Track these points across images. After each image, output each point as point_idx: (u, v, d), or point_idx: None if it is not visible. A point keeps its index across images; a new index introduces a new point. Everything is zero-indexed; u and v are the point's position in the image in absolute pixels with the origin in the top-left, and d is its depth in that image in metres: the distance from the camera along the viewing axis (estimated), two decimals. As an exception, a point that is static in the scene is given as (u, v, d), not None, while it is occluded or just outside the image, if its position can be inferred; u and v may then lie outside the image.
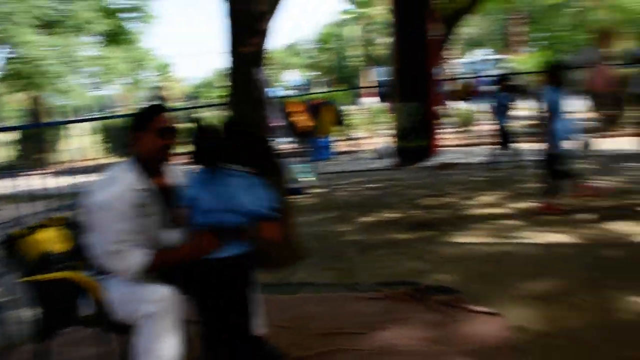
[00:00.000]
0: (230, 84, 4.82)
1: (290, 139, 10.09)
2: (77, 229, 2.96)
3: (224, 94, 5.01)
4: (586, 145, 9.79)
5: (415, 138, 5.61)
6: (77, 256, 2.84)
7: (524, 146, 8.50)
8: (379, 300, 3.91)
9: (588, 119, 12.60)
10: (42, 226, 2.92)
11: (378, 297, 3.97)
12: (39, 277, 2.65)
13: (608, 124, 12.26)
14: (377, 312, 3.73)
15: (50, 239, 2.88)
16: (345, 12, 32.95)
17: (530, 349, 3.11)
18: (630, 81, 9.59)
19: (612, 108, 12.37)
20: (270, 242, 3.61)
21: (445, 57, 21.89)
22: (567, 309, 3.61)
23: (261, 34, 4.68)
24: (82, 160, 11.72)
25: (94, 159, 10.66)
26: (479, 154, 10.55)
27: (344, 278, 4.48)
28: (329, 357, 3.18)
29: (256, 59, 4.73)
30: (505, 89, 8.45)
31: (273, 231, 2.60)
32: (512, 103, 8.49)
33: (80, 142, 14.07)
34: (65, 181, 6.81)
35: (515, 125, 8.75)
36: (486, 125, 14.34)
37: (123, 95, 33.37)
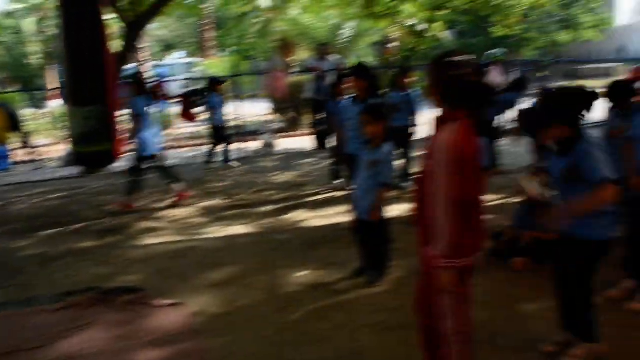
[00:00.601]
0: None
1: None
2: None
3: None
4: (268, 145, 10.89)
5: (94, 143, 5.44)
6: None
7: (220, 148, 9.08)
8: (62, 311, 3.80)
9: (271, 121, 13.93)
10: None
11: (61, 307, 3.84)
12: None
13: (289, 126, 13.75)
14: (60, 323, 3.61)
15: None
16: (17, 1, 29.33)
17: (209, 329, 3.44)
18: (304, 88, 10.85)
19: (292, 111, 13.91)
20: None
21: (138, 59, 21.62)
22: (242, 290, 4.07)
23: None
24: None
25: None
26: (174, 157, 10.79)
27: (22, 294, 4.18)
28: (1, 378, 2.99)
29: None
30: (216, 90, 9.09)
31: None
32: (223, 104, 9.15)
33: None
34: None
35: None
36: (182, 129, 14.70)
37: None
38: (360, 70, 5.28)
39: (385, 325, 3.38)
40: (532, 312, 3.50)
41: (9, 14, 29.25)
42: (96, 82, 5.65)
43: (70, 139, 6.58)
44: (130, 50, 10.53)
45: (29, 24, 27.20)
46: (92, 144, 5.60)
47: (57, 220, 6.27)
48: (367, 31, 19.81)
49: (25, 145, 10.98)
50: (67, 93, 5.73)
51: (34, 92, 19.29)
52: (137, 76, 6.54)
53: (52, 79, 26.98)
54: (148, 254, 4.95)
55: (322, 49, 10.34)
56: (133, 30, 10.00)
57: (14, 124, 8.64)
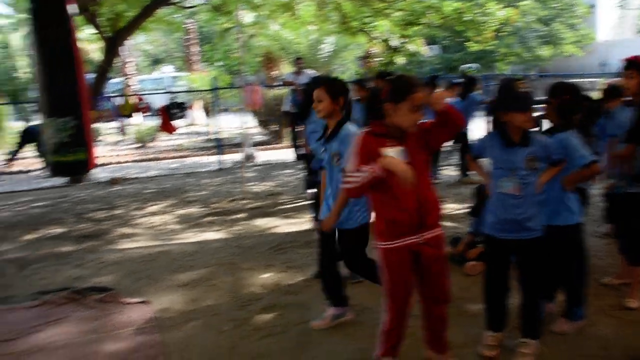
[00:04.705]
0: None
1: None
2: None
3: None
4: (249, 156, 11.19)
5: (69, 152, 5.72)
6: None
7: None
8: (36, 308, 4.07)
9: (253, 134, 14.25)
10: None
11: (35, 305, 4.11)
12: None
13: (272, 138, 14.08)
14: (32, 319, 3.89)
15: None
16: (3, 16, 29.64)
17: (171, 325, 3.72)
18: (283, 101, 11.18)
19: (274, 124, 14.24)
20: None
21: (128, 73, 21.91)
22: (207, 290, 4.35)
23: None
24: None
25: None
26: (156, 167, 11.09)
27: (0, 294, 4.45)
28: (-23, 367, 3.25)
29: None
30: None
31: None
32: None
33: None
34: None
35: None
36: (165, 142, 15.01)
37: None
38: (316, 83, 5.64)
39: (337, 322, 3.61)
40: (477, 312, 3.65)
41: (-3, 29, 29.48)
42: (70, 95, 5.94)
43: (47, 150, 6.89)
44: (110, 64, 10.87)
45: (16, 39, 27.46)
46: (67, 154, 5.87)
47: (38, 226, 6.56)
48: (347, 46, 20.23)
49: (12, 157, 11.24)
50: (42, 105, 6.01)
51: (22, 105, 19.46)
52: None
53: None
54: (122, 257, 5.23)
55: (298, 63, 10.68)
56: (112, 45, 10.34)
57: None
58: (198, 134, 16.49)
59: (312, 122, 5.76)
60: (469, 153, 3.49)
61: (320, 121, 5.42)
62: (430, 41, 21.97)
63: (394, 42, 14.03)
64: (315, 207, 5.79)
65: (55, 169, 6.67)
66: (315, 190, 6.79)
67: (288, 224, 6.22)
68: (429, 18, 13.06)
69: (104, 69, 10.27)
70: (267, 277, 4.59)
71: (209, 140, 14.77)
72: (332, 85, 3.33)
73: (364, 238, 3.44)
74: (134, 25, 10.42)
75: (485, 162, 3.21)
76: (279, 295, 4.18)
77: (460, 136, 7.34)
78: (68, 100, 5.80)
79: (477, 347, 3.17)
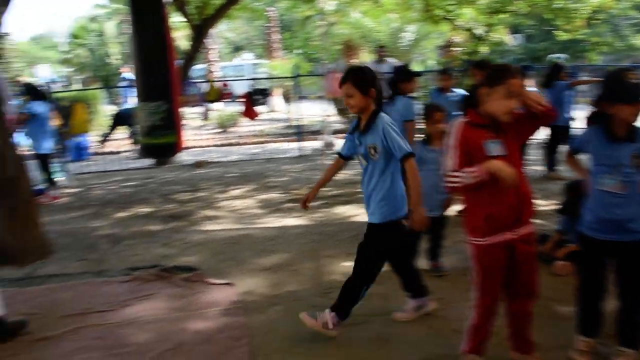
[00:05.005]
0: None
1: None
2: None
3: None
4: (328, 144, 11.22)
5: (160, 135, 5.96)
6: None
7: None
8: (128, 283, 4.28)
9: (332, 122, 14.26)
10: None
11: (126, 280, 4.32)
12: None
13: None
14: (125, 292, 4.09)
15: None
16: (99, 6, 31.32)
17: (255, 307, 3.78)
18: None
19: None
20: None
21: (211, 60, 22.54)
22: (289, 275, 4.40)
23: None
24: None
25: None
26: (236, 152, 11.35)
27: (94, 268, 4.73)
28: (75, 334, 3.47)
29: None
30: None
31: None
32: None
33: None
34: None
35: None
36: (246, 127, 15.33)
37: None
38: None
39: (420, 314, 3.57)
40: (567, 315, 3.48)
41: (93, 19, 31.27)
42: (162, 80, 6.16)
43: (139, 132, 7.23)
44: (197, 51, 11.20)
45: (110, 27, 28.96)
46: (158, 137, 6.12)
47: (128, 205, 6.90)
48: (428, 34, 19.82)
49: (104, 138, 11.89)
50: (137, 90, 6.28)
51: (113, 89, 20.43)
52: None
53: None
54: (206, 239, 5.39)
55: (380, 51, 10.54)
56: (200, 33, 10.64)
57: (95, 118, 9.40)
58: (278, 120, 16.72)
59: (395, 111, 5.70)
60: (568, 148, 3.29)
61: (407, 110, 5.38)
62: (514, 30, 21.13)
63: (478, 30, 13.61)
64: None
65: (146, 150, 6.98)
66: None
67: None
68: (517, 5, 12.55)
69: (191, 56, 10.60)
70: (348, 265, 4.54)
71: (289, 127, 14.95)
72: (360, 79, 3.13)
73: (387, 236, 3.25)
74: (221, 12, 10.66)
75: (582, 158, 3.04)
76: (360, 284, 4.16)
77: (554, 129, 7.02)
78: (160, 86, 6.03)
79: (567, 351, 3.01)
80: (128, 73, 19.93)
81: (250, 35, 41.26)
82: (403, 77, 5.52)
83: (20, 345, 3.36)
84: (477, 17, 12.99)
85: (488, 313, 2.75)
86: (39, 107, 6.99)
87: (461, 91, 6.58)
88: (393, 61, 10.85)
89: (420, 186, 3.12)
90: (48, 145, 7.13)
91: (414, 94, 5.65)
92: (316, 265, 4.60)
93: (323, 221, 5.91)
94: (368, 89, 3.09)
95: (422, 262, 4.34)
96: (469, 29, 13.62)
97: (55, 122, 7.38)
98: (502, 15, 13.15)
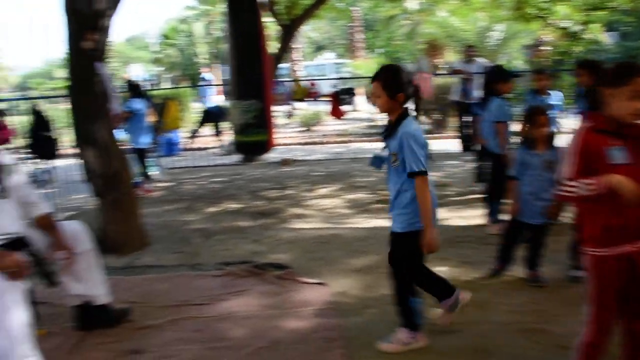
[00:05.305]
0: (70, 76, 4.86)
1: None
2: None
3: (62, 85, 5.04)
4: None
5: (252, 133, 6.03)
6: None
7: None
8: (221, 277, 4.34)
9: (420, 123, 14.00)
10: None
11: (219, 274, 4.39)
12: None
13: (434, 127, 13.77)
14: (218, 287, 4.15)
15: None
16: (189, 7, 32.67)
17: (348, 309, 3.73)
18: (451, 90, 10.80)
19: (437, 113, 13.93)
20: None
21: (294, 59, 22.86)
22: (381, 278, 4.29)
23: (102, 30, 4.75)
24: None
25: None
26: (320, 151, 11.39)
27: (188, 260, 4.84)
28: (175, 324, 3.55)
29: (97, 54, 4.80)
30: None
31: None
32: None
33: None
34: None
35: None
36: (330, 126, 15.39)
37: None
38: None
39: (519, 327, 3.41)
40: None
41: (183, 20, 32.64)
42: (256, 79, 6.24)
43: (232, 130, 7.39)
44: (285, 51, 11.33)
45: (198, 28, 30.03)
46: (250, 135, 6.21)
47: (218, 200, 7.05)
48: (516, 33, 19.11)
49: (193, 134, 12.30)
50: (231, 88, 6.40)
51: (198, 88, 21.13)
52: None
53: (217, 77, 29.45)
54: (296, 237, 5.39)
55: (469, 51, 10.21)
56: (288, 33, 10.74)
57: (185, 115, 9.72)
58: (360, 120, 16.67)
59: (488, 112, 5.49)
60: None
61: (500, 111, 5.18)
62: (609, 27, 19.97)
63: (573, 28, 12.96)
64: (490, 202, 5.54)
65: (239, 147, 7.12)
66: (487, 183, 6.50)
67: (459, 217, 5.99)
68: (617, 2, 11.84)
69: (279, 55, 10.73)
70: (442, 270, 4.41)
71: (372, 126, 14.85)
72: (388, 79, 2.95)
73: (411, 246, 3.05)
74: (309, 13, 10.73)
75: None
76: (455, 291, 4.02)
77: None
78: (254, 84, 6.11)
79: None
80: (207, 73, 20.80)
81: (332, 35, 41.50)
82: (499, 77, 5.34)
83: (125, 332, 3.48)
84: (572, 14, 12.37)
85: (603, 330, 2.55)
86: (138, 104, 7.31)
87: (557, 93, 6.28)
88: (482, 61, 10.49)
89: (429, 206, 2.92)
90: (145, 140, 7.43)
91: (508, 96, 5.44)
92: (408, 268, 4.49)
93: (412, 224, 5.77)
94: (396, 93, 2.93)
95: (520, 271, 4.16)
96: (562, 27, 13.01)
97: (151, 119, 7.66)
98: (599, 12, 12.46)
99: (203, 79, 20.14)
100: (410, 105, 3.03)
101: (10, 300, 2.61)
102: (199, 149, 11.98)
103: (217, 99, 22.63)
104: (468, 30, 19.19)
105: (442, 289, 3.29)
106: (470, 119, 9.94)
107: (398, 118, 2.96)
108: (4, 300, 2.59)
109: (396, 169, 3.00)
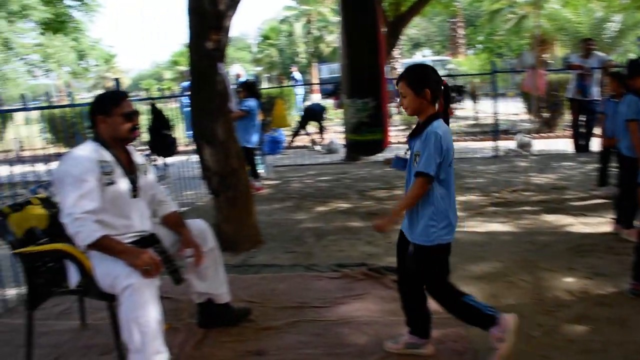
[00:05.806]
0: (192, 75, 4.97)
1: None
2: (54, 207, 3.13)
3: (169, 86, 5.16)
4: (524, 144, 10.49)
5: (367, 132, 5.90)
6: (56, 232, 2.99)
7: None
8: (338, 279, 4.24)
9: (524, 121, 13.37)
10: (28, 203, 3.06)
11: (336, 276, 4.30)
12: (34, 248, 2.80)
13: (542, 126, 13.05)
14: (336, 289, 4.05)
15: (36, 216, 3.03)
16: (288, 8, 33.26)
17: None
18: (567, 87, 10.15)
19: (547, 111, 13.18)
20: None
21: (393, 57, 22.58)
22: (505, 287, 4.04)
23: (223, 30, 4.82)
24: (28, 150, 11.48)
25: (40, 148, 10.46)
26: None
27: (302, 260, 4.80)
28: (295, 327, 3.49)
29: (219, 54, 4.88)
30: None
31: None
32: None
33: (24, 131, 13.75)
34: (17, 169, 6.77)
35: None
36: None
37: (65, 85, 32.38)
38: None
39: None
40: None
41: (283, 20, 33.30)
42: (372, 77, 6.11)
43: (343, 129, 7.29)
44: (391, 48, 11.14)
45: (298, 28, 30.48)
46: (364, 133, 6.09)
47: (326, 200, 7.00)
48: (635, 25, 17.74)
49: (296, 132, 12.42)
50: (344, 87, 6.30)
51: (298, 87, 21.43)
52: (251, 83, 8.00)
53: (315, 76, 29.78)
54: (410, 240, 5.21)
55: (587, 44, 9.50)
56: (394, 30, 10.55)
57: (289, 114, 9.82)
58: (464, 118, 16.14)
59: (622, 110, 5.04)
60: None
61: (631, 108, 4.73)
62: None
63: None
64: (619, 207, 5.09)
65: (353, 147, 7.03)
66: (612, 188, 5.99)
67: (582, 223, 5.56)
68: None
69: (386, 53, 10.57)
70: (570, 282, 4.10)
71: (476, 125, 14.32)
72: (414, 77, 2.78)
73: (438, 261, 2.98)
74: (415, 9, 10.51)
75: None
76: (590, 306, 3.67)
77: None
78: (369, 82, 5.98)
79: None
80: (297, 73, 21.07)
81: (430, 32, 40.69)
82: (636, 72, 4.86)
83: (246, 332, 3.47)
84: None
85: None
86: (252, 103, 7.42)
87: None
88: (601, 55, 9.76)
89: (413, 202, 2.87)
90: (255, 139, 7.53)
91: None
92: (533, 278, 4.18)
93: (533, 229, 5.42)
94: (422, 89, 2.75)
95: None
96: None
97: (260, 117, 7.75)
98: None
99: (293, 79, 20.42)
100: (440, 106, 2.86)
101: (145, 297, 2.65)
102: (302, 147, 12.08)
103: (315, 97, 22.85)
104: (581, 22, 18.04)
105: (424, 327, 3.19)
106: (586, 117, 9.31)
107: (427, 119, 2.81)
108: (139, 296, 2.63)
109: (416, 169, 2.84)
